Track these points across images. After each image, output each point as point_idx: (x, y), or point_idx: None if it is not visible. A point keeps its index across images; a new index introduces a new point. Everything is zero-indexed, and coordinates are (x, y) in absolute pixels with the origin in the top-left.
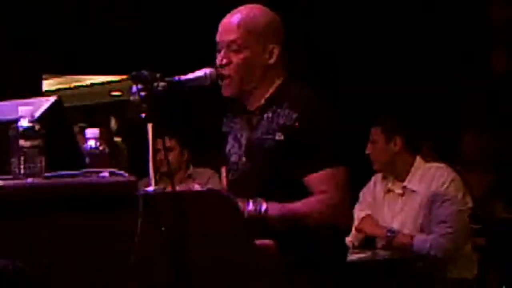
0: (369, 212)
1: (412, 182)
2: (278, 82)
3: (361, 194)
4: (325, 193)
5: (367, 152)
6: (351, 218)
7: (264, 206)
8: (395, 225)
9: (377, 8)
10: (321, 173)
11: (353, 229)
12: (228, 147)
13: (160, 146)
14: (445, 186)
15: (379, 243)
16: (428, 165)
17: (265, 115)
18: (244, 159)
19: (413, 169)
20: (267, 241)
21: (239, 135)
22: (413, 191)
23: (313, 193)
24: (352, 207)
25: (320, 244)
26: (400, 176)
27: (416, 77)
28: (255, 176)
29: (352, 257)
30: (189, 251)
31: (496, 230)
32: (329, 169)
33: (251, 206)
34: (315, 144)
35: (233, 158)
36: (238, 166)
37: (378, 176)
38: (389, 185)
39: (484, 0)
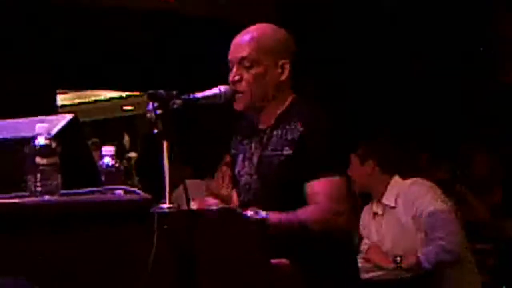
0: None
1: (389, 198)
2: (288, 100)
3: (362, 213)
4: (317, 204)
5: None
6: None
7: (263, 213)
8: (387, 246)
9: (380, 16)
10: (315, 182)
11: None
12: (237, 169)
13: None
14: (424, 197)
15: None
16: (405, 181)
17: (275, 132)
18: (255, 178)
19: (389, 186)
20: (282, 260)
21: (250, 156)
22: (391, 207)
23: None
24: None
25: (333, 263)
26: (380, 196)
27: (421, 87)
28: (267, 194)
29: (367, 275)
30: (203, 269)
31: (507, 249)
32: (323, 178)
33: (249, 213)
34: (315, 154)
35: (244, 179)
36: (251, 186)
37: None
38: (374, 207)
39: (492, 11)
